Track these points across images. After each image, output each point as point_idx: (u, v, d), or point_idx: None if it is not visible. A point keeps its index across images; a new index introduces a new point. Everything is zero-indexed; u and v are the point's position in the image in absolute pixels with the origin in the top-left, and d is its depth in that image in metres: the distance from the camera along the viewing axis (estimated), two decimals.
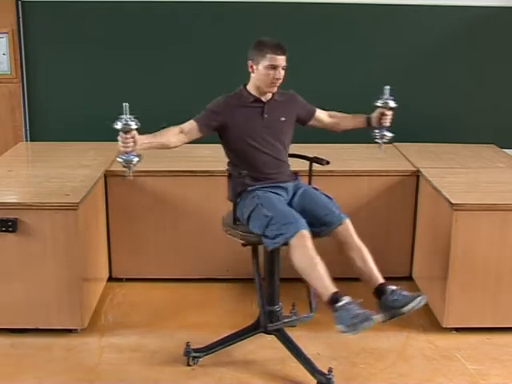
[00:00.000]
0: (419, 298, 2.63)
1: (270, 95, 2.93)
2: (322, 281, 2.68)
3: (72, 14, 4.24)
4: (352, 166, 3.80)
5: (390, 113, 3.02)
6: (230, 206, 2.93)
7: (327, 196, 2.97)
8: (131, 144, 2.65)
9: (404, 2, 4.30)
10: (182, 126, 2.89)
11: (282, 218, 2.70)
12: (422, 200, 3.70)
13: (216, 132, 2.94)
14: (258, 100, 2.93)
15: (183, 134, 2.88)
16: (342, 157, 3.96)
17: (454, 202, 3.14)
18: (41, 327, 3.18)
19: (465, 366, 3.00)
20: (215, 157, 3.87)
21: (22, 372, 2.89)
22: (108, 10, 4.25)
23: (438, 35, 4.37)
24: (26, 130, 4.44)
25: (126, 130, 2.63)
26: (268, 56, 2.81)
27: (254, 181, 2.91)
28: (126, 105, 2.67)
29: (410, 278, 3.82)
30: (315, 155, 3.12)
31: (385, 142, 3.07)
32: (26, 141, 4.46)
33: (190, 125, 2.89)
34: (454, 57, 4.40)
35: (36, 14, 4.25)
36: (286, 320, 3.09)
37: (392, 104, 3.01)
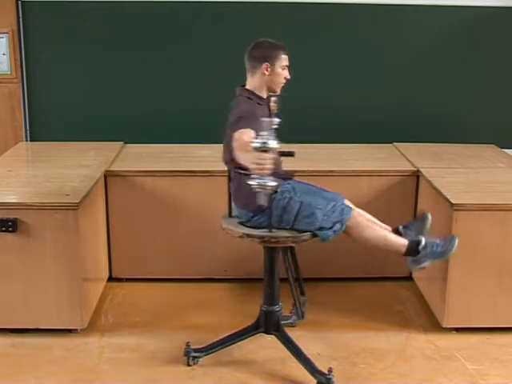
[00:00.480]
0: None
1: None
2: (396, 240, 2.91)
3: (72, 14, 4.25)
4: (352, 166, 3.80)
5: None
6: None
7: None
8: (268, 166, 2.30)
9: (404, 2, 4.30)
10: None
11: (332, 204, 2.79)
12: (422, 200, 3.70)
13: None
14: (264, 99, 2.95)
15: None
16: (342, 157, 3.96)
17: (454, 201, 3.14)
18: (41, 327, 3.18)
19: (465, 366, 3.00)
20: (215, 157, 3.86)
21: (22, 372, 2.89)
22: (108, 10, 4.25)
23: (438, 35, 4.37)
24: (25, 130, 4.44)
25: (264, 150, 2.31)
26: (282, 57, 2.87)
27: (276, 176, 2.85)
28: (271, 120, 2.45)
29: (410, 278, 3.82)
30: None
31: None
32: (26, 141, 4.46)
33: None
34: (454, 57, 4.40)
35: (36, 14, 4.25)
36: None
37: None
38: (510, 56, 4.43)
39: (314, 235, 2.79)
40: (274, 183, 2.37)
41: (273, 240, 2.75)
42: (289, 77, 2.90)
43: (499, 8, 4.33)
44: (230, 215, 2.93)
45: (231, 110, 2.86)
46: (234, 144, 2.57)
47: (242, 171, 2.66)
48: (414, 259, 2.92)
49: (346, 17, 4.33)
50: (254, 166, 2.31)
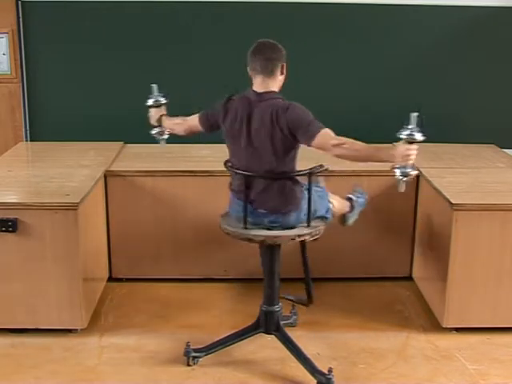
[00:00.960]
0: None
1: None
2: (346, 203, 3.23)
3: (72, 14, 4.25)
4: (352, 166, 3.77)
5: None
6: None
7: None
8: (413, 157, 2.60)
9: (404, 2, 4.30)
10: None
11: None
12: (421, 200, 3.70)
13: None
14: None
15: None
16: None
17: (454, 202, 3.14)
18: (41, 327, 3.18)
19: (465, 366, 3.00)
20: (215, 157, 3.87)
21: (21, 372, 2.89)
22: (108, 10, 4.25)
23: (438, 35, 4.37)
24: (25, 130, 4.44)
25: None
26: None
27: None
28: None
29: (410, 278, 3.82)
30: None
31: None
32: (26, 141, 4.46)
33: None
34: (454, 57, 4.40)
35: (36, 14, 4.25)
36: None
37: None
38: (510, 56, 4.42)
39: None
40: (416, 171, 2.64)
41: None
42: None
43: (499, 8, 4.33)
44: (246, 224, 2.86)
45: (276, 114, 2.73)
46: (334, 142, 2.69)
47: (294, 173, 2.84)
48: (349, 215, 3.24)
49: (345, 17, 4.32)
50: (399, 157, 2.57)
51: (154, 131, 3.22)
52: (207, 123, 2.99)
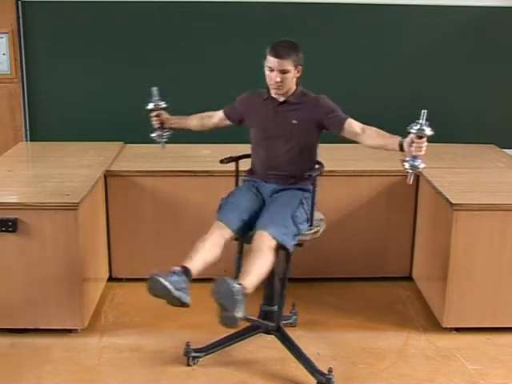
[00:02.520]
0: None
1: (284, 96, 2.92)
2: (192, 254, 2.79)
3: (72, 14, 4.25)
4: (352, 166, 3.80)
5: (424, 141, 2.66)
6: None
7: (285, 211, 2.81)
8: (158, 121, 3.10)
9: (404, 2, 4.30)
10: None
11: (226, 204, 2.92)
12: (422, 200, 3.70)
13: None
14: (273, 99, 2.95)
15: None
16: (342, 157, 3.96)
17: (454, 202, 3.14)
18: (41, 327, 3.18)
19: (465, 366, 3.00)
20: (215, 157, 3.85)
21: (21, 372, 2.89)
22: (108, 10, 4.25)
23: (439, 35, 4.37)
24: (25, 130, 4.44)
25: (157, 109, 3.13)
26: (267, 57, 2.84)
27: (250, 173, 3.08)
28: (154, 89, 3.08)
29: (410, 278, 3.82)
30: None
31: (415, 173, 2.71)
32: (26, 141, 4.46)
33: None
34: (454, 57, 4.40)
35: (36, 14, 4.25)
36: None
37: (428, 132, 2.66)
38: (510, 56, 4.42)
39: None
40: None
41: None
42: (275, 80, 2.83)
43: (499, 8, 4.33)
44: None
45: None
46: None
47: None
48: None
49: (345, 17, 4.33)
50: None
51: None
52: None
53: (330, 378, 2.77)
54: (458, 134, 4.40)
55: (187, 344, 2.97)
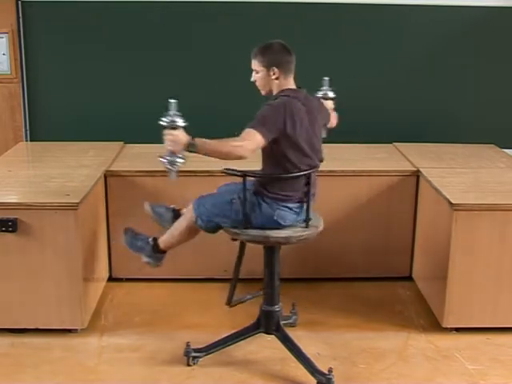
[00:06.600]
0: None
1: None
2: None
3: (72, 14, 4.25)
4: (352, 166, 3.80)
5: (175, 133, 2.58)
6: None
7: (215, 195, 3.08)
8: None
9: (405, 2, 4.30)
10: None
11: None
12: (422, 200, 3.70)
13: None
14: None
15: None
16: (342, 157, 3.96)
17: (454, 202, 3.14)
18: (40, 327, 3.18)
19: (465, 366, 3.00)
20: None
21: (21, 372, 2.89)
22: (108, 10, 4.25)
23: (438, 35, 4.37)
24: (25, 130, 4.44)
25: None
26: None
27: None
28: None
29: (410, 278, 3.82)
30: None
31: (175, 169, 2.68)
32: (26, 141, 4.46)
33: None
34: (455, 57, 4.40)
35: (36, 14, 4.25)
36: None
37: (181, 123, 2.55)
38: (510, 56, 4.42)
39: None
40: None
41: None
42: (252, 79, 2.89)
43: (499, 8, 4.33)
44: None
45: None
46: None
47: None
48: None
49: (345, 17, 4.32)
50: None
51: (164, 159, 2.63)
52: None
53: (330, 378, 2.77)
54: (457, 134, 4.41)
55: (187, 344, 2.97)
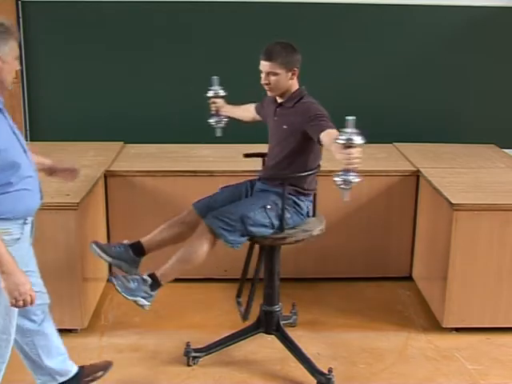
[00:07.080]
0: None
1: (282, 99, 2.90)
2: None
3: (72, 14, 4.24)
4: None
5: (354, 152, 2.36)
6: None
7: (236, 209, 2.83)
8: (215, 108, 3.21)
9: (404, 2, 4.29)
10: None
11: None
12: (422, 200, 3.70)
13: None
14: (275, 101, 2.94)
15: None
16: None
17: (454, 202, 3.14)
18: None
19: (465, 366, 3.00)
20: (215, 157, 3.87)
21: (21, 372, 2.89)
22: (108, 10, 4.25)
23: (439, 35, 4.37)
24: (26, 130, 4.44)
25: (216, 97, 3.23)
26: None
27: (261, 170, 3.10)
28: (215, 78, 3.20)
29: (410, 278, 3.82)
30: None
31: (348, 189, 2.46)
32: (26, 141, 4.45)
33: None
34: (455, 57, 4.40)
35: (36, 14, 4.25)
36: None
37: (358, 141, 2.35)
38: (510, 56, 4.42)
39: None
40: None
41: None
42: (263, 82, 2.84)
43: (500, 8, 4.32)
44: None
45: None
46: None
47: None
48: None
49: (345, 16, 4.32)
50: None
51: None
52: None
53: (330, 378, 2.77)
54: (457, 134, 4.41)
55: (187, 344, 2.97)
